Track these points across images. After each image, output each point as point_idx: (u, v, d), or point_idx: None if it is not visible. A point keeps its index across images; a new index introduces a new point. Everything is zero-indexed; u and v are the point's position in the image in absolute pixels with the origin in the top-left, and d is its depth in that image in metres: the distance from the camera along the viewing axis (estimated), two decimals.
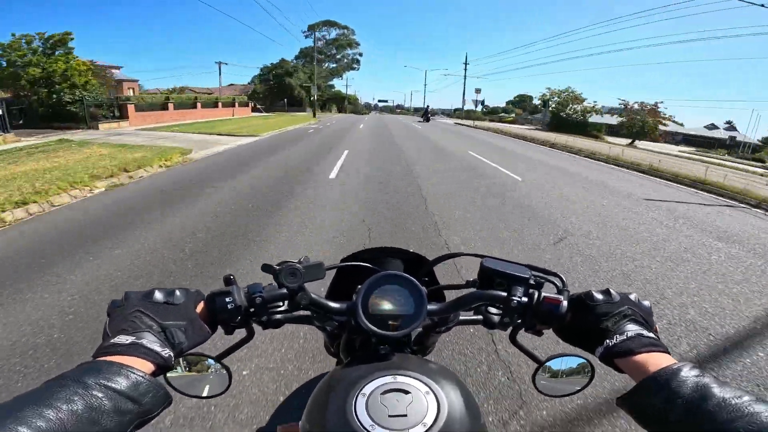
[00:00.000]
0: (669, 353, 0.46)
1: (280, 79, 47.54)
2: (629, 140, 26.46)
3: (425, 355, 0.75)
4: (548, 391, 0.54)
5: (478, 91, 34.37)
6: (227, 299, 0.51)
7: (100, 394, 0.35)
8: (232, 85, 52.36)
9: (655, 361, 0.44)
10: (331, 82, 62.31)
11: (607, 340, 0.48)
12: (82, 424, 0.33)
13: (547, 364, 0.53)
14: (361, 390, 0.46)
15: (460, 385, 0.50)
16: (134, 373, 0.39)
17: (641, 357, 0.45)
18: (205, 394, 0.52)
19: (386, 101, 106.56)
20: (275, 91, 48.11)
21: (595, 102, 33.50)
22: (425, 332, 0.68)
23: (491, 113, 63.52)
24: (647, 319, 0.51)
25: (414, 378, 0.48)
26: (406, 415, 0.43)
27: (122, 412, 0.36)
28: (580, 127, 30.04)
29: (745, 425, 0.34)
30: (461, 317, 0.64)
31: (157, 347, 0.43)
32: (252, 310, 0.53)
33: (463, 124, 33.68)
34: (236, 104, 29.64)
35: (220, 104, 27.27)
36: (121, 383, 0.37)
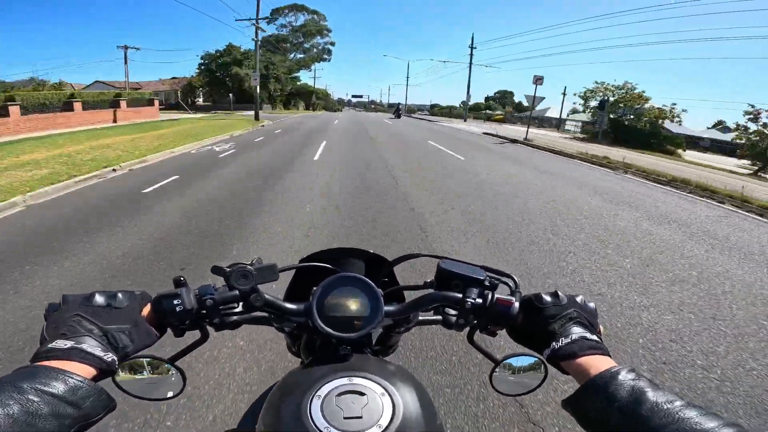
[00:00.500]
0: (609, 356, 0.49)
1: (226, 69, 38.01)
2: (740, 161, 17.00)
3: (388, 355, 0.76)
4: (505, 390, 0.56)
5: (539, 80, 15.78)
6: (175, 302, 0.51)
7: (36, 399, 0.35)
8: (174, 78, 42.17)
9: (596, 364, 0.47)
10: (297, 75, 54.16)
11: (554, 343, 0.51)
12: (19, 427, 0.33)
13: (504, 363, 0.55)
14: (316, 392, 0.47)
15: (417, 386, 0.52)
16: (72, 377, 0.39)
17: (584, 360, 0.48)
18: (158, 396, 0.52)
19: (361, 96, 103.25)
20: (220, 84, 38.51)
21: (673, 105, 24.24)
22: (386, 332, 0.69)
23: (474, 110, 60.32)
24: (592, 321, 0.54)
25: (370, 380, 0.49)
26: (361, 417, 0.44)
27: (61, 416, 0.36)
28: (646, 137, 20.18)
29: (675, 431, 0.36)
30: (421, 318, 0.65)
31: (98, 351, 0.43)
32: (203, 312, 0.53)
33: (489, 134, 20.67)
34: (148, 102, 21.90)
35: (123, 104, 19.15)
36: (58, 388, 0.37)
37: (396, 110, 39.92)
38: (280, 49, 48.32)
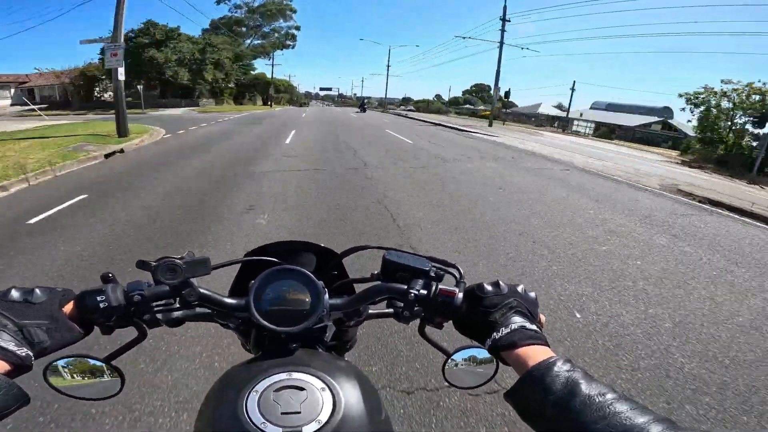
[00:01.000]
0: (548, 346, 0.49)
1: (137, 57, 26.78)
2: None
3: (346, 351, 0.77)
4: (457, 383, 0.57)
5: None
6: (99, 298, 0.49)
7: None
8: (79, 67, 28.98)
9: (534, 354, 0.47)
10: (251, 63, 45.61)
11: (495, 333, 0.51)
12: None
13: (455, 356, 0.55)
14: (253, 388, 0.46)
15: (362, 380, 0.52)
16: None
17: (523, 350, 0.48)
18: (95, 396, 0.51)
19: (330, 89, 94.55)
20: (143, 72, 27.39)
21: None
22: (338, 327, 0.69)
23: (453, 104, 56.20)
24: (532, 310, 0.55)
25: (310, 374, 0.49)
26: (300, 412, 0.44)
27: None
28: None
29: (606, 427, 0.36)
30: (371, 311, 0.66)
31: (12, 346, 0.43)
32: (133, 309, 0.51)
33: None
34: None
35: None
36: None
37: (361, 105, 41.08)
38: (234, 35, 40.45)
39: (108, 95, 27.01)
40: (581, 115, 36.13)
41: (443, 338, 0.59)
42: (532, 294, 0.58)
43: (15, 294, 0.47)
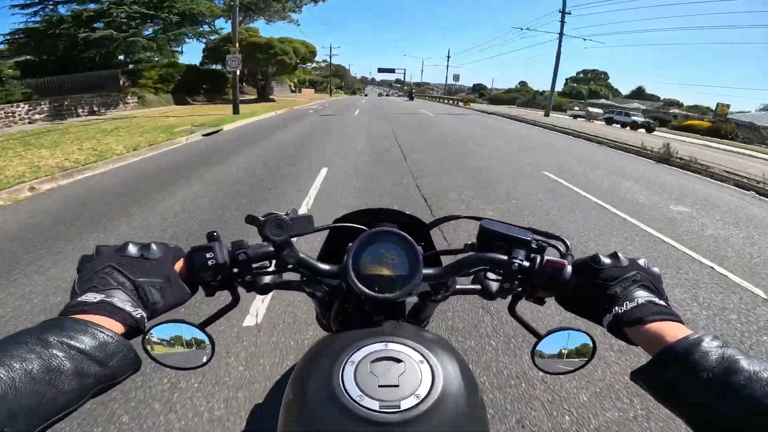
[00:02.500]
0: (683, 323, 0.44)
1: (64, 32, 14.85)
2: None
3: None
4: (547, 368, 0.53)
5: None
6: (208, 254, 0.50)
7: (60, 354, 0.33)
8: None
9: (671, 331, 0.42)
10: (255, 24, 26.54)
11: (616, 308, 0.46)
12: (37, 385, 0.31)
13: (547, 338, 0.52)
14: (349, 357, 0.45)
15: (457, 355, 0.49)
16: (102, 332, 0.37)
17: (654, 326, 0.43)
18: (187, 365, 0.50)
19: (392, 71, 74.98)
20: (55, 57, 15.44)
21: None
22: (420, 302, 0.67)
23: (496, 101, 50.78)
24: (657, 285, 0.50)
25: (407, 346, 0.47)
26: (398, 386, 0.42)
27: (84, 375, 0.34)
28: None
29: None
30: (458, 286, 0.63)
31: (128, 307, 0.41)
32: (235, 270, 0.52)
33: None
34: None
35: None
36: (86, 342, 0.35)
37: (409, 93, 48.77)
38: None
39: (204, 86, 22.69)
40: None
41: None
42: (656, 269, 0.52)
43: (132, 249, 0.46)
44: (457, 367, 0.46)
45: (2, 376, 0.29)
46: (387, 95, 73.43)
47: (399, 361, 0.45)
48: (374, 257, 0.54)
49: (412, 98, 45.37)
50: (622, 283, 0.48)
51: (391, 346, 0.47)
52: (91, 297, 0.40)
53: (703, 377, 0.36)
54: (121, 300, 0.41)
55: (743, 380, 0.34)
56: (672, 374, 0.38)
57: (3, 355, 0.31)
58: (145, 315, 0.43)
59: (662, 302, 0.46)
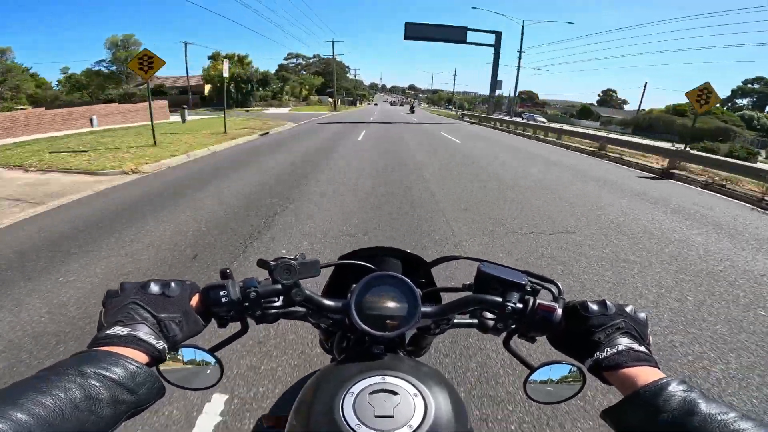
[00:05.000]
0: (658, 368, 0.48)
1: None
2: None
3: (420, 356, 0.78)
4: (539, 398, 0.57)
5: None
6: (222, 293, 0.55)
7: (97, 384, 0.38)
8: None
9: (644, 375, 0.46)
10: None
11: (598, 353, 0.50)
12: (80, 413, 0.35)
13: (539, 370, 0.55)
14: (349, 389, 0.49)
15: (449, 388, 0.53)
16: (131, 363, 0.41)
17: (630, 371, 0.47)
18: (195, 386, 0.54)
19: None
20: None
21: None
22: (420, 334, 0.71)
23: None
24: (641, 331, 0.54)
25: (403, 379, 0.51)
26: (392, 416, 0.46)
27: (118, 402, 0.38)
28: None
29: None
30: (456, 320, 0.67)
31: (152, 339, 0.46)
32: (246, 304, 0.56)
33: None
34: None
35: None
36: (118, 373, 0.40)
37: (411, 106, 49.17)
38: None
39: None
40: None
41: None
42: (642, 314, 0.56)
43: (154, 287, 0.51)
44: (449, 400, 0.50)
45: (50, 404, 0.33)
46: (401, 105, 62.81)
47: (395, 393, 0.48)
48: (376, 298, 0.59)
49: (413, 111, 42.84)
50: (607, 330, 0.52)
51: (388, 379, 0.50)
52: (119, 330, 0.45)
53: (665, 418, 0.40)
54: (145, 333, 0.46)
55: (698, 422, 0.38)
56: (638, 415, 0.42)
57: (48, 385, 0.35)
58: (166, 347, 0.48)
59: (642, 348, 0.50)
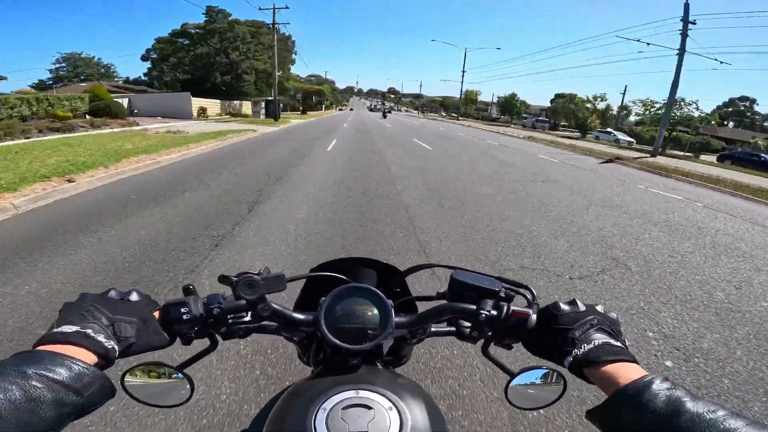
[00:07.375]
0: (638, 363, 0.48)
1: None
2: None
3: (400, 365, 0.77)
4: (521, 404, 0.56)
5: None
6: (183, 309, 0.53)
7: (39, 385, 0.36)
8: None
9: (625, 372, 0.46)
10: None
11: (575, 350, 0.51)
12: (20, 414, 0.34)
13: (520, 375, 0.55)
14: (321, 404, 0.48)
15: (427, 400, 0.52)
16: (77, 364, 0.40)
17: (611, 368, 0.47)
18: (165, 403, 0.53)
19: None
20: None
21: None
22: (398, 343, 0.70)
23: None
24: (614, 329, 0.54)
25: (377, 393, 0.50)
26: (367, 431, 0.45)
27: (63, 404, 0.37)
28: None
29: None
30: (433, 329, 0.66)
31: (101, 338, 0.45)
32: (211, 320, 0.55)
33: None
34: None
35: None
36: (62, 374, 0.38)
37: (384, 111, 47.92)
38: None
39: None
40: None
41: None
42: (613, 314, 0.56)
43: (113, 293, 0.51)
44: (425, 412, 0.49)
45: None
46: (387, 112, 51.60)
47: (369, 408, 0.47)
48: (346, 310, 0.58)
49: (385, 116, 42.68)
50: (581, 327, 0.53)
51: (362, 393, 0.49)
52: (66, 328, 0.44)
53: (651, 418, 0.39)
54: (95, 331, 0.45)
55: (686, 421, 0.38)
56: (623, 414, 0.42)
57: None
58: (116, 347, 0.46)
59: (618, 343, 0.51)
